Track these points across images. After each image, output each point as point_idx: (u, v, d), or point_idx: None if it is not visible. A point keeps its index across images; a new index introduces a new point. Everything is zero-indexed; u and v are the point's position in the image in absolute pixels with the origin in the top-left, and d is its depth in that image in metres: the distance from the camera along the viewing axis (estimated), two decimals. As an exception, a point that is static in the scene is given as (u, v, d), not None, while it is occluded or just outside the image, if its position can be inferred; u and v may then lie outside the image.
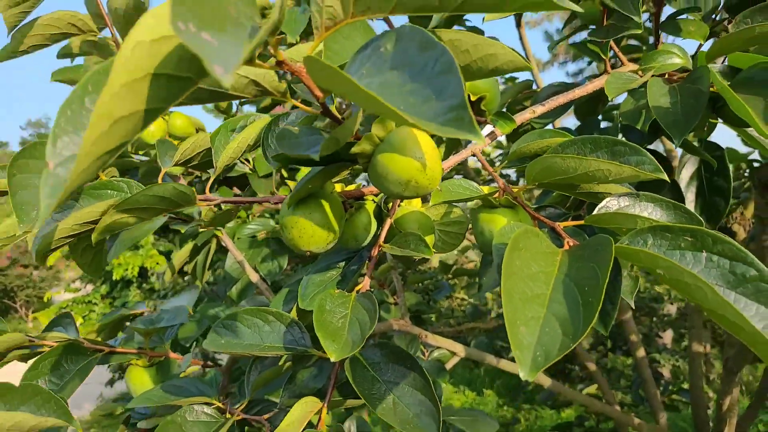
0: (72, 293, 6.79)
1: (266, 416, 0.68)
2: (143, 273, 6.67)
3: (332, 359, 0.47)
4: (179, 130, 1.18)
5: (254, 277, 1.30)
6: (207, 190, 0.74)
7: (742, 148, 1.94)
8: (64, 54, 1.16)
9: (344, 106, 1.88)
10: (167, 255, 6.72)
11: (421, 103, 0.29)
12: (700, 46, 0.76)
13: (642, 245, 0.40)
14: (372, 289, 0.55)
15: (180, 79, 0.28)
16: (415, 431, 0.47)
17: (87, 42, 1.08)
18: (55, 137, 0.25)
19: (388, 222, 0.60)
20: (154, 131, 1.13)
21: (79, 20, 1.02)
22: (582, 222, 0.47)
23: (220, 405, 0.70)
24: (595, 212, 0.47)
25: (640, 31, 0.59)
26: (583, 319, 0.34)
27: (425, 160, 0.46)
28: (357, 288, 0.56)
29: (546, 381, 1.64)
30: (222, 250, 1.71)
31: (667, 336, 4.67)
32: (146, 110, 0.26)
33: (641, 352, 1.90)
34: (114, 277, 6.42)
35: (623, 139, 0.51)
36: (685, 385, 3.22)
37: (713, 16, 0.78)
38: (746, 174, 1.76)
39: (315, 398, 0.53)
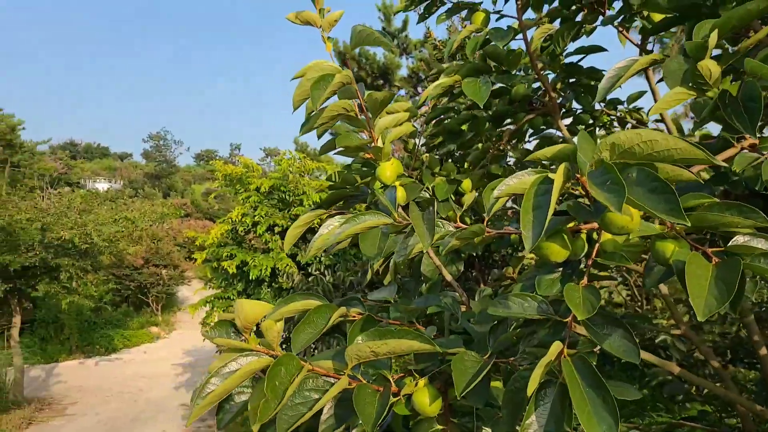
0: (215, 289, 7.84)
1: (512, 359, 1.14)
2: (273, 273, 7.54)
3: (579, 318, 0.92)
4: (399, 171, 1.70)
5: (449, 277, 1.78)
6: (458, 219, 1.23)
7: None
8: (305, 129, 1.69)
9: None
10: (293, 257, 7.55)
11: (656, 204, 0.72)
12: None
13: (758, 262, 0.80)
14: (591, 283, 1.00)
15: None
16: (624, 354, 0.91)
17: (346, 117, 1.62)
18: (525, 224, 0.73)
19: (597, 245, 1.04)
20: (390, 175, 1.64)
21: (348, 105, 1.56)
22: (722, 249, 0.88)
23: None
24: (730, 244, 0.87)
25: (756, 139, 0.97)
26: (727, 296, 0.75)
27: (632, 216, 0.89)
28: (581, 283, 1.00)
29: (675, 368, 1.96)
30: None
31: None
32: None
33: (763, 351, 2.14)
34: (250, 277, 7.36)
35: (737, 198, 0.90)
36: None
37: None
38: None
39: (560, 342, 0.98)
